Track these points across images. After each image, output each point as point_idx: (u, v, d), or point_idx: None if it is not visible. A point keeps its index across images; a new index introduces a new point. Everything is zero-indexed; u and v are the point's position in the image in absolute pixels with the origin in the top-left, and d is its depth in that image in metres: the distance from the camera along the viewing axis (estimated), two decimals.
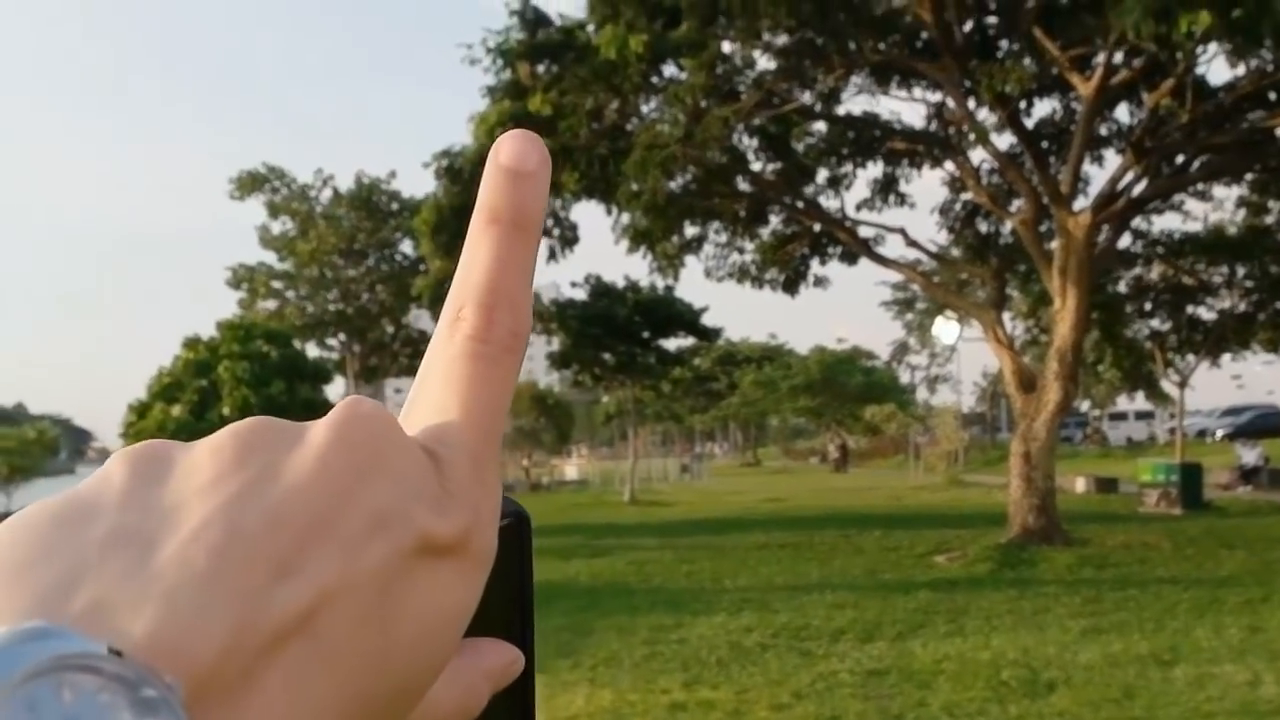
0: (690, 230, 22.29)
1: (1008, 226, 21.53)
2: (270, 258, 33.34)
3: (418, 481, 0.39)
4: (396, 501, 0.38)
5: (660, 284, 31.24)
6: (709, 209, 21.42)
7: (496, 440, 0.44)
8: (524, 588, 0.47)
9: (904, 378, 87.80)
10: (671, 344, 37.60)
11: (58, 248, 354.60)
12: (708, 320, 36.63)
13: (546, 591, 14.71)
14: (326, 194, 32.33)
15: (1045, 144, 20.75)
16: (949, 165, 21.43)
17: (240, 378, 23.82)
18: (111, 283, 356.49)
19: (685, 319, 35.72)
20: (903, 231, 20.79)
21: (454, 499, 0.40)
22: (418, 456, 0.40)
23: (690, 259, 22.58)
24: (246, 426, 0.39)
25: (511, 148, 0.44)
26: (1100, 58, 17.00)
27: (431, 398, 0.44)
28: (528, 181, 0.44)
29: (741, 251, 23.31)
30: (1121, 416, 60.63)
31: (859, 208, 22.47)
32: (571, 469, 70.16)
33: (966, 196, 22.42)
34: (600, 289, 34.54)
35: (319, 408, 25.15)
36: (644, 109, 20.01)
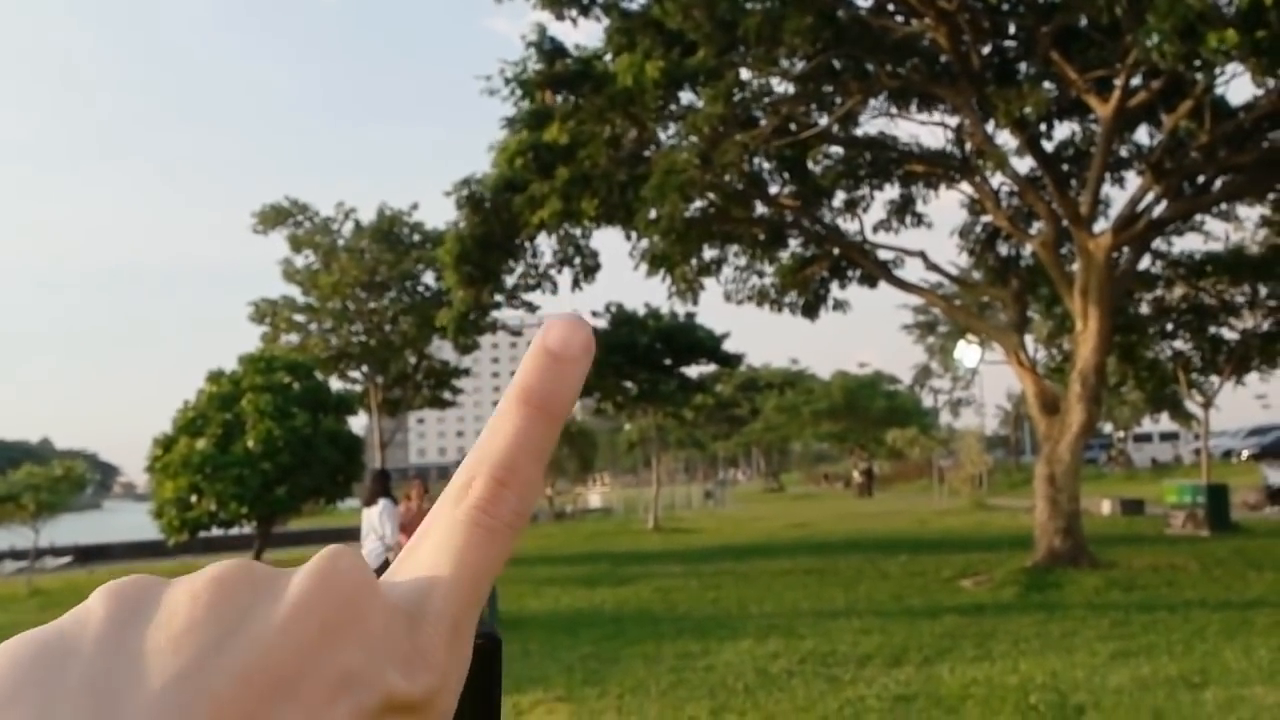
0: (709, 253, 22.34)
1: (1028, 249, 21.51)
2: (293, 291, 33.55)
3: (389, 641, 0.40)
4: (366, 662, 0.39)
5: (680, 310, 31.31)
6: (727, 232, 21.47)
7: (477, 608, 0.44)
8: (493, 710, 0.49)
9: (927, 401, 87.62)
10: (693, 370, 37.58)
11: (81, 283, 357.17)
12: (729, 346, 36.57)
13: (572, 620, 14.72)
14: (348, 227, 32.50)
15: (1064, 166, 20.74)
16: (967, 187, 21.44)
17: (264, 410, 23.88)
18: (136, 317, 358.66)
19: (706, 345, 35.69)
20: (923, 255, 20.79)
21: (424, 660, 0.41)
22: (392, 615, 0.41)
23: (709, 282, 22.62)
24: (226, 573, 0.39)
25: (559, 334, 0.46)
26: (1118, 80, 17.00)
27: (427, 556, 0.45)
28: (568, 367, 0.46)
29: (761, 275, 23.32)
30: (1146, 438, 60.32)
31: (876, 229, 22.49)
32: (595, 497, 70.20)
33: (986, 219, 22.41)
34: (621, 317, 34.58)
35: (342, 439, 25.25)
36: (662, 136, 20.09)
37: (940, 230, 23.77)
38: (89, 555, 34.26)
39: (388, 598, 0.42)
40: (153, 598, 0.39)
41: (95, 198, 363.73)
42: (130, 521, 52.40)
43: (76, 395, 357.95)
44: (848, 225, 22.04)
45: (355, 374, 34.38)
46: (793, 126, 19.05)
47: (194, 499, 23.83)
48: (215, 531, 25.74)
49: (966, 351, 39.10)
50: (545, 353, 0.46)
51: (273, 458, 23.52)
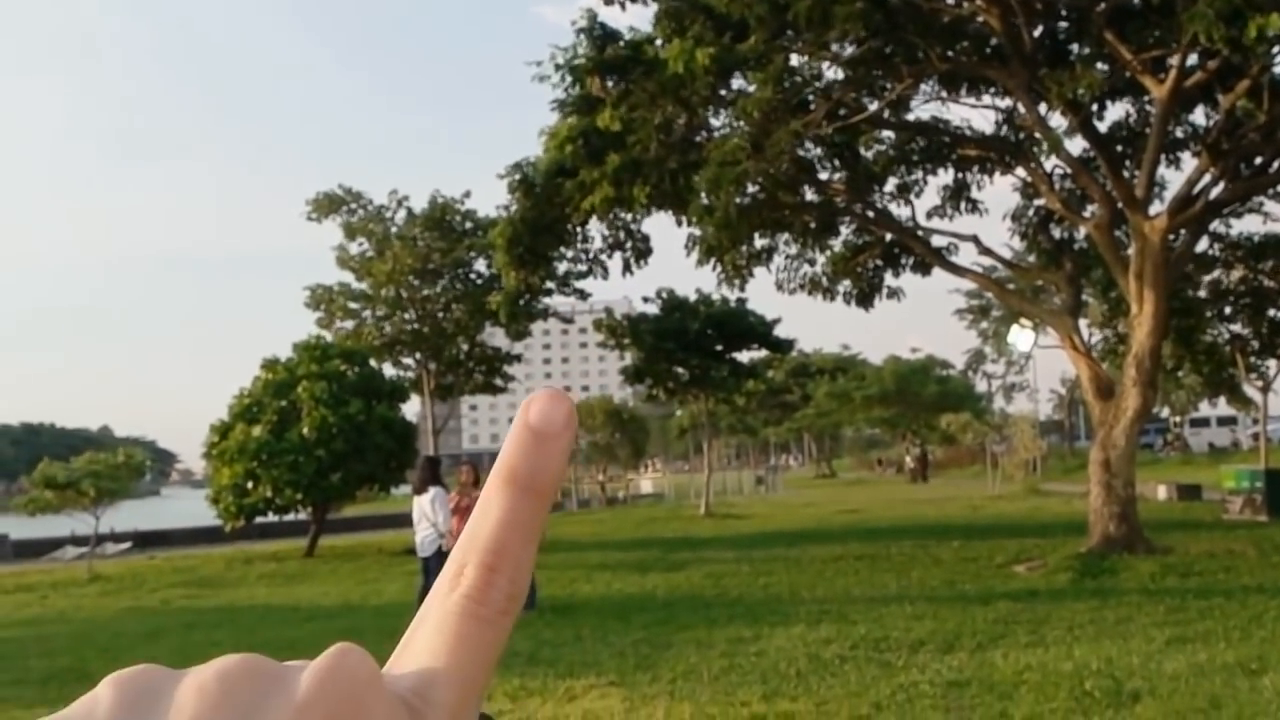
0: (760, 242, 22.28)
1: (1082, 232, 21.30)
2: (348, 278, 33.77)
3: None
4: None
5: (731, 296, 31.27)
6: (778, 220, 21.39)
7: (477, 699, 0.46)
8: None
9: (980, 386, 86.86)
10: (744, 357, 37.50)
11: (140, 271, 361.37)
12: (780, 332, 36.49)
13: (624, 605, 14.78)
14: (401, 215, 32.65)
15: (1119, 148, 20.51)
16: (1021, 171, 21.25)
17: (319, 398, 24.09)
18: (193, 305, 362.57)
19: (758, 331, 35.62)
20: (975, 239, 20.63)
21: None
22: (395, 709, 0.42)
23: (760, 270, 22.56)
24: (234, 668, 0.40)
25: (540, 409, 0.47)
26: (1174, 60, 16.79)
27: (424, 647, 0.47)
28: (552, 444, 0.47)
29: (812, 263, 23.24)
30: (1203, 422, 59.58)
31: (930, 215, 22.33)
32: (647, 483, 70.21)
33: (1039, 202, 22.20)
34: (673, 303, 34.57)
35: (396, 426, 25.44)
36: (713, 122, 20.07)
37: (993, 215, 23.58)
38: (148, 541, 34.71)
39: (391, 691, 0.42)
40: (161, 690, 0.39)
41: (155, 187, 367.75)
42: (188, 508, 53.09)
43: (135, 383, 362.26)
44: (900, 211, 21.92)
45: (408, 360, 34.57)
46: (843, 112, 18.96)
47: (250, 485, 24.11)
48: (271, 517, 26.05)
49: (1020, 336, 38.74)
50: (527, 430, 0.47)
51: (327, 444, 23.74)
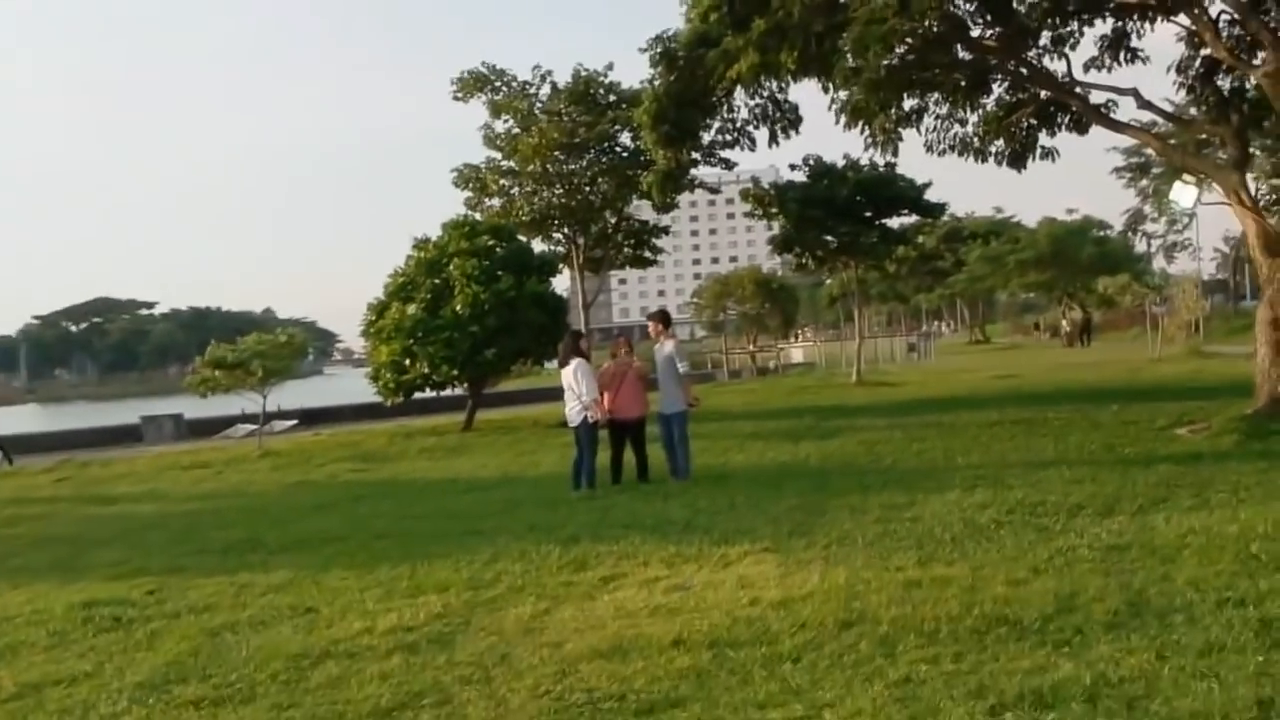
0: (908, 103, 21.71)
1: (1251, 81, 20.28)
2: (495, 156, 33.96)
3: None
4: None
5: (880, 162, 30.66)
6: (927, 80, 20.79)
7: None
8: None
9: (1139, 247, 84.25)
10: (894, 222, 36.97)
11: (295, 157, 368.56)
12: (931, 196, 35.84)
13: (777, 473, 14.90)
14: (545, 90, 32.61)
15: None
16: (1184, 18, 20.24)
17: (470, 275, 24.40)
18: (347, 188, 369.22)
19: (908, 196, 35.01)
20: (1135, 92, 19.77)
21: None
22: None
23: (909, 133, 22.02)
24: None
25: None
26: None
27: None
28: None
29: (963, 124, 22.57)
30: None
31: (1087, 68, 21.42)
32: (797, 352, 70.06)
33: (1205, 52, 21.16)
34: (820, 170, 34.12)
35: (547, 301, 25.71)
36: None
37: (1155, 67, 22.54)
38: (314, 418, 35.95)
39: None
40: None
41: (310, 75, 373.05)
42: (350, 386, 54.69)
43: (295, 266, 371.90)
44: (1055, 66, 21.09)
45: (557, 235, 34.81)
46: None
47: (407, 362, 24.70)
48: (429, 393, 26.69)
49: (1183, 192, 37.27)
50: None
51: (480, 320, 24.13)
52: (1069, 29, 20.72)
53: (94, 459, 24.80)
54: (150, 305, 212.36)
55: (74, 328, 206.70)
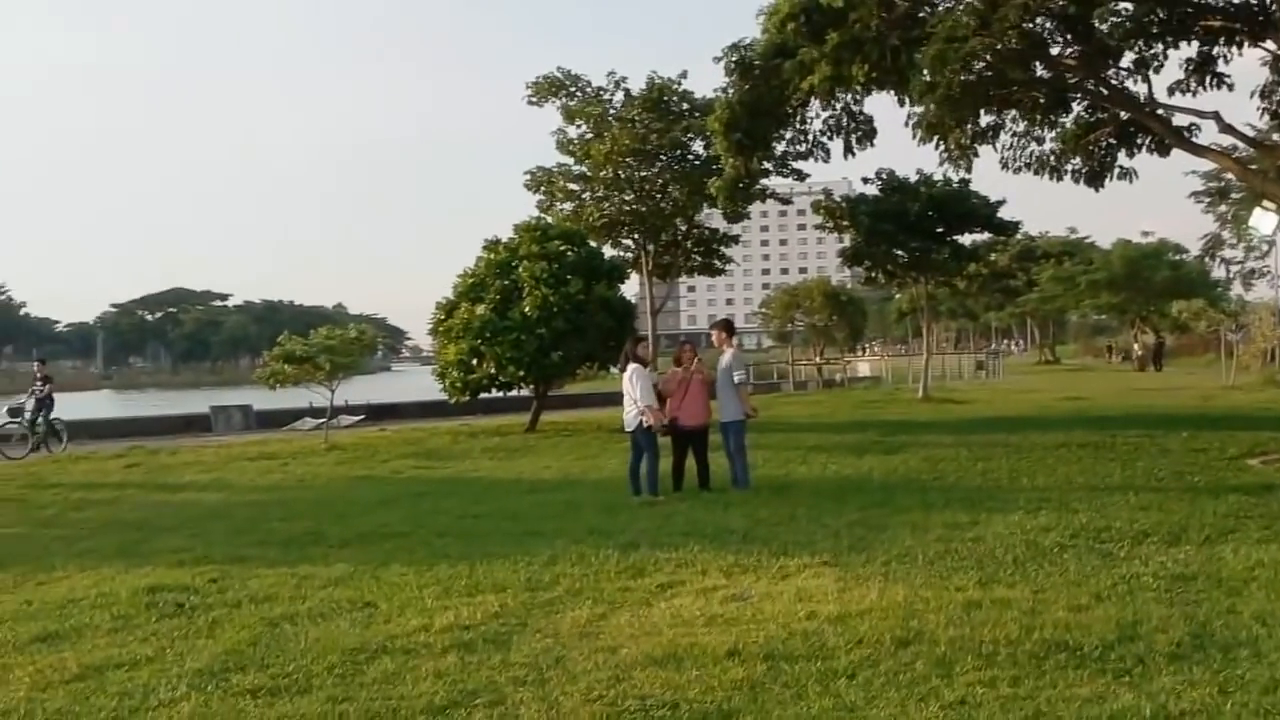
0: (985, 119, 21.53)
1: None
2: (567, 160, 34.15)
3: None
4: None
5: (954, 177, 30.46)
6: (1005, 97, 20.61)
7: None
8: None
9: (1216, 273, 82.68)
10: (966, 239, 36.72)
11: (372, 156, 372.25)
12: (1005, 214, 35.53)
13: (840, 486, 14.82)
14: (619, 97, 32.75)
15: None
16: (1270, 44, 19.91)
17: (539, 277, 24.52)
18: (421, 187, 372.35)
19: (981, 213, 34.73)
20: (1217, 116, 19.47)
21: None
22: None
23: (984, 150, 21.84)
24: None
25: None
26: None
27: None
28: None
29: (1040, 141, 22.35)
30: None
31: (1171, 91, 21.13)
32: (864, 365, 69.70)
33: None
34: (892, 184, 33.95)
35: (615, 306, 25.77)
36: None
37: (1239, 91, 22.17)
38: (380, 414, 36.18)
39: None
40: None
41: (386, 75, 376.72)
42: (417, 383, 55.12)
43: (368, 263, 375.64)
44: (1137, 87, 20.81)
45: (627, 241, 34.92)
46: None
47: (475, 362, 24.84)
48: (494, 393, 26.81)
49: (1263, 218, 36.67)
50: None
51: (548, 323, 24.23)
52: (1153, 51, 20.44)
53: (163, 446, 25.14)
54: (224, 297, 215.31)
55: (150, 317, 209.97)
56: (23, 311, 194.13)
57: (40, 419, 25.76)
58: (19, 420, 25.64)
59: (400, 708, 6.00)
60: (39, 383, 26.34)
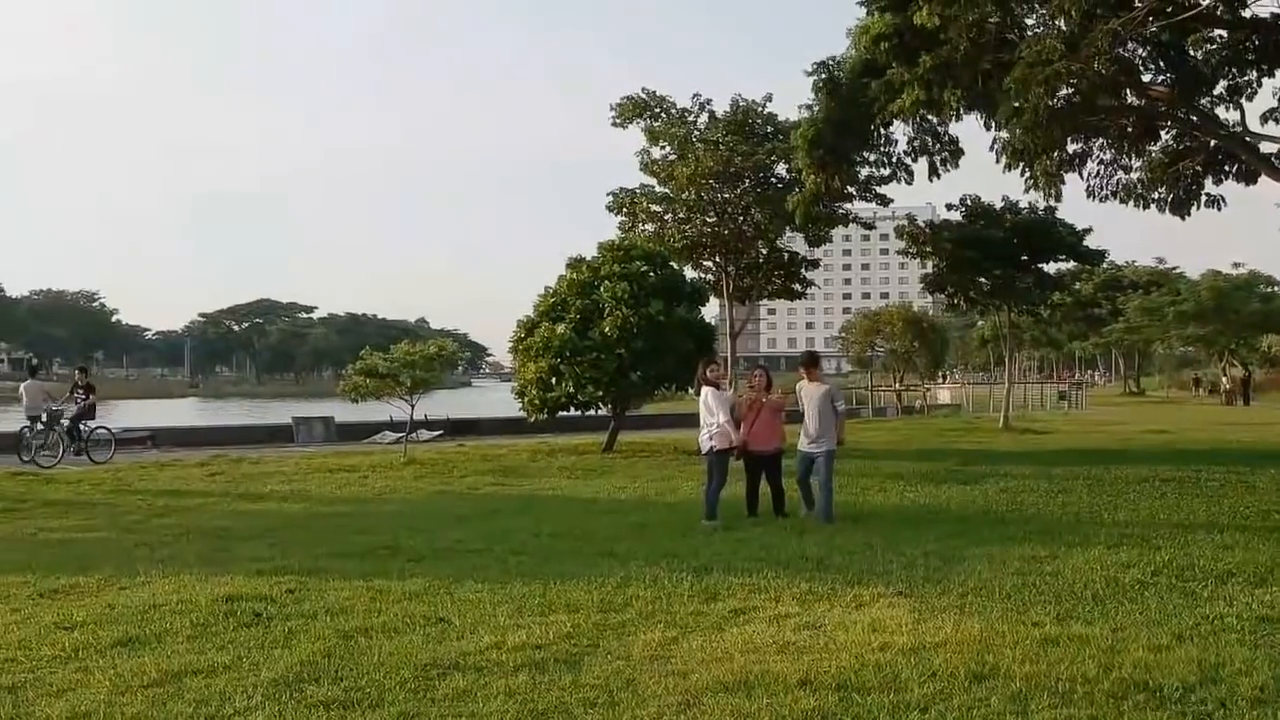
0: (1072, 146, 21.30)
1: None
2: (650, 181, 34.25)
3: None
4: None
5: (1040, 204, 30.16)
6: (1093, 124, 20.37)
7: None
8: None
9: None
10: (1051, 267, 36.32)
11: (454, 176, 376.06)
12: (1090, 243, 35.09)
13: (917, 515, 14.68)
14: (703, 119, 32.81)
15: None
16: None
17: (620, 298, 24.57)
18: (503, 207, 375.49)
19: (1066, 241, 34.34)
20: None
21: None
22: None
23: (1070, 176, 21.59)
24: None
25: None
26: None
27: None
28: None
29: (1128, 170, 22.08)
30: None
31: (1265, 119, 20.76)
32: (945, 393, 69.04)
33: None
34: (977, 210, 33.67)
35: (695, 328, 25.76)
36: (1027, 21, 19.22)
37: None
38: (458, 429, 36.44)
39: None
40: None
41: (491, 94, 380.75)
42: (497, 399, 55.47)
43: (451, 279, 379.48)
44: (1228, 115, 20.48)
45: (708, 263, 34.92)
46: (1170, 9, 17.80)
47: (554, 381, 24.94)
48: (572, 412, 26.90)
49: None
50: None
51: (628, 344, 24.27)
52: (1246, 79, 20.13)
53: (246, 456, 25.50)
54: (310, 309, 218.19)
55: (236, 327, 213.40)
56: (114, 319, 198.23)
57: (80, 427, 25.62)
58: (55, 428, 25.14)
59: None
60: (80, 391, 26.40)
